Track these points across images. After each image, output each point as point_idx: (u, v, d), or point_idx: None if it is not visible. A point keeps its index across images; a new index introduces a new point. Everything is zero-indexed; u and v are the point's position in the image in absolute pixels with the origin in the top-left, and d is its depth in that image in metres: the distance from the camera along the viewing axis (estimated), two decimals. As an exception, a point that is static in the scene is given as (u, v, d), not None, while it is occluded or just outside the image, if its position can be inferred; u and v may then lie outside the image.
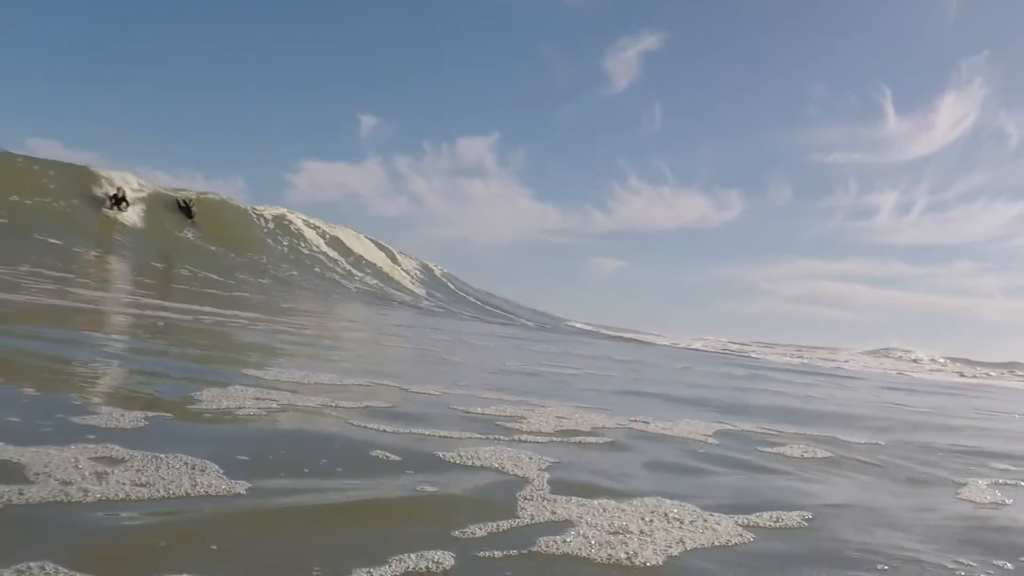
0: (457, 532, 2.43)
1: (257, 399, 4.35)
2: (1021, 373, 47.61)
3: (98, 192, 30.46)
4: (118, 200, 30.07)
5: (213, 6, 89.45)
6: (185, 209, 33.62)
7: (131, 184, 32.56)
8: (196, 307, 12.72)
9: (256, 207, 40.28)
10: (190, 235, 32.32)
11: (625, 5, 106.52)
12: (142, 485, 2.50)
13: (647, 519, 2.75)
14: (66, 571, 1.82)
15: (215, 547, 2.10)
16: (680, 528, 2.71)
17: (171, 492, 2.48)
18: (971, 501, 3.92)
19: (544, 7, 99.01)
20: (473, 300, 48.32)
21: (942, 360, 52.82)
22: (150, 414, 3.58)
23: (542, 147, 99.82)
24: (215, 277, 25.20)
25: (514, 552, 2.30)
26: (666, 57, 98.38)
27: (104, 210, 29.50)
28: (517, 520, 2.61)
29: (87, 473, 2.54)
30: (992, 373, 43.71)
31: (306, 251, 39.53)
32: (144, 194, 33.00)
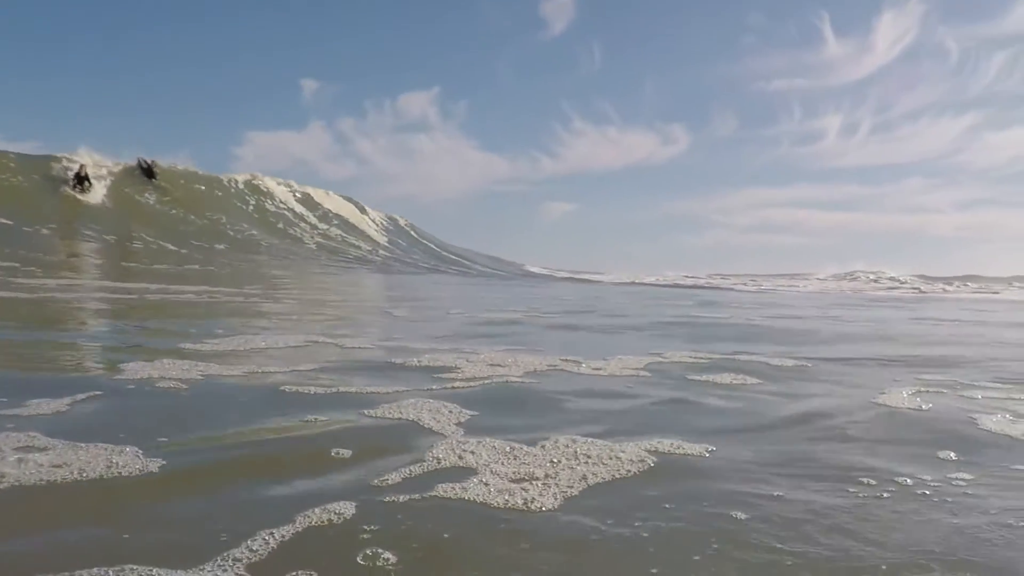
0: (367, 483, 2.51)
1: (184, 370, 4.39)
2: (974, 284, 48.99)
3: (59, 172, 30.07)
4: (80, 179, 29.66)
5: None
6: (147, 170, 33.14)
7: (105, 163, 32.31)
8: (144, 285, 12.63)
9: (228, 173, 40.31)
10: (151, 199, 31.93)
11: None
12: (58, 466, 2.56)
13: (555, 460, 2.86)
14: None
15: (123, 517, 2.17)
16: (587, 464, 2.82)
17: (85, 475, 2.53)
18: (888, 406, 4.10)
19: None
20: (435, 248, 48.56)
21: (904, 278, 54.04)
22: (79, 396, 3.61)
23: (484, 97, 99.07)
24: (170, 247, 24.90)
25: (417, 495, 2.40)
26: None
27: (68, 190, 29.11)
28: (424, 467, 2.70)
29: (11, 460, 2.59)
30: (948, 288, 44.91)
31: (272, 208, 39.32)
32: (117, 169, 32.77)
